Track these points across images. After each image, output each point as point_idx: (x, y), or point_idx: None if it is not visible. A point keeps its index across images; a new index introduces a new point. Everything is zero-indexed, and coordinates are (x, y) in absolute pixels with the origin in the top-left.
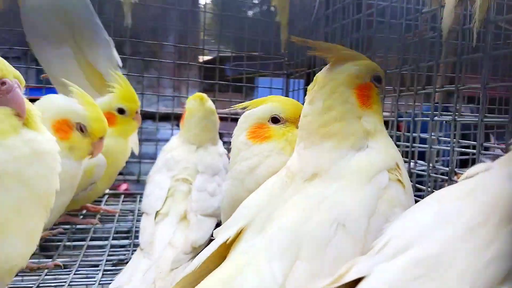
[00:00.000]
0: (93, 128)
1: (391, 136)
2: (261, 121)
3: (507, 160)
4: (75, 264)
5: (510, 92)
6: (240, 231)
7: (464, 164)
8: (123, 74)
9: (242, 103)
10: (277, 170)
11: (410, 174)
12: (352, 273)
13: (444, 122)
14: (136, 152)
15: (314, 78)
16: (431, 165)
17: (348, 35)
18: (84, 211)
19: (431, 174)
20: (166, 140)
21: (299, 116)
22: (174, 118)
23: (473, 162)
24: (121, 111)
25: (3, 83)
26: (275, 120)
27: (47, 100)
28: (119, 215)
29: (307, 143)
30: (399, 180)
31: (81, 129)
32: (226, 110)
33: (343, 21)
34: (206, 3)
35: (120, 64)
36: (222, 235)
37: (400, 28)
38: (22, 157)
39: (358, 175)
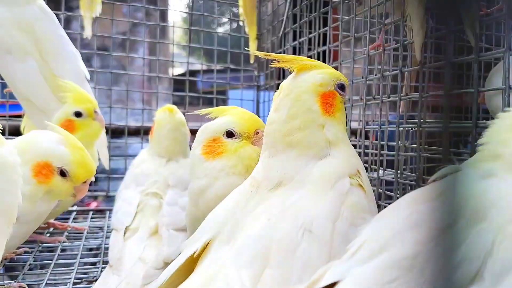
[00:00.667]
0: (76, 173)
1: (360, 145)
2: (216, 134)
3: (474, 161)
4: (42, 284)
5: (472, 99)
6: (207, 243)
7: (432, 171)
8: (92, 88)
9: (205, 109)
10: (227, 192)
11: (380, 182)
12: (327, 278)
13: (411, 130)
14: (107, 166)
15: (280, 85)
16: (399, 172)
17: (315, 48)
18: (51, 229)
19: (400, 181)
20: (136, 155)
21: (254, 131)
22: (144, 133)
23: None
24: (78, 114)
25: None
26: (229, 134)
27: (29, 139)
28: (88, 232)
29: (271, 152)
30: (360, 185)
31: (63, 173)
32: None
33: (310, 34)
34: (174, 21)
35: (88, 76)
36: (189, 248)
37: (365, 39)
38: None
39: (321, 182)
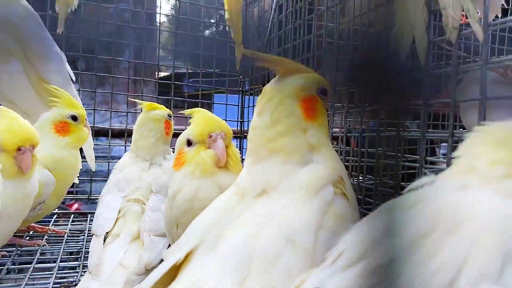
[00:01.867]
0: (2, 140)
1: (341, 151)
2: (180, 146)
3: (449, 173)
4: None
5: (449, 108)
6: (191, 251)
7: (412, 178)
8: (77, 90)
9: (187, 110)
10: (193, 195)
11: (360, 188)
12: (307, 285)
13: (391, 137)
14: (93, 168)
15: (263, 89)
16: (378, 179)
17: (299, 55)
18: (31, 232)
19: (379, 188)
20: (119, 158)
21: (208, 135)
22: (128, 135)
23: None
24: (74, 118)
25: None
26: (189, 143)
27: None
28: (68, 236)
29: (255, 158)
30: (343, 194)
31: None
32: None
33: (294, 41)
34: (161, 21)
35: (73, 78)
36: (173, 256)
37: (348, 48)
38: None
39: (304, 190)
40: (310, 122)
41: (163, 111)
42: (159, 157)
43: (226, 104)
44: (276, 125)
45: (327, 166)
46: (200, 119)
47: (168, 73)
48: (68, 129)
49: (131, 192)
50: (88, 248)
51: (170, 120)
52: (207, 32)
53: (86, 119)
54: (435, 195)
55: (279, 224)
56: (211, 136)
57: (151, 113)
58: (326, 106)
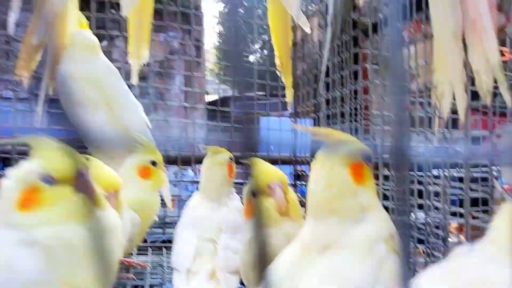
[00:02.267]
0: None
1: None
2: (248, 197)
3: (487, 242)
4: None
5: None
6: None
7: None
8: None
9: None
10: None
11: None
12: None
13: None
14: (170, 206)
15: (315, 156)
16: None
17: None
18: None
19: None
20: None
21: (267, 186)
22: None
23: None
24: (153, 163)
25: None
26: (253, 194)
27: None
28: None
29: (316, 217)
30: (394, 250)
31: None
32: None
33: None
34: (208, 49)
35: (150, 125)
36: None
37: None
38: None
39: (361, 247)
40: (359, 185)
41: (225, 155)
42: (224, 197)
43: (280, 130)
44: (330, 189)
45: (379, 224)
46: (258, 172)
47: (217, 96)
48: (149, 173)
49: (204, 231)
50: (168, 281)
51: (232, 163)
52: (252, 57)
53: (163, 164)
54: (468, 266)
55: (342, 279)
56: (270, 187)
57: (215, 158)
58: (372, 171)
